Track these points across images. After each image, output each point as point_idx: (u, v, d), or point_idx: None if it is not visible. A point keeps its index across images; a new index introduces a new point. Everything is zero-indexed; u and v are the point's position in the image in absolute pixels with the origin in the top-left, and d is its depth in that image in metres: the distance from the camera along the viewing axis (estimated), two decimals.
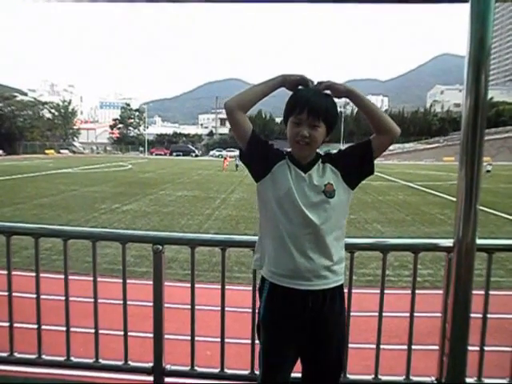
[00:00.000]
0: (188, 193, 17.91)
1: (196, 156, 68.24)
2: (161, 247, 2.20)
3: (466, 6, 1.61)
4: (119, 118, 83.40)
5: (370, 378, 2.31)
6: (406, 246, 2.44)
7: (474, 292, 2.03)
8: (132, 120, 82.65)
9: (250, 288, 2.37)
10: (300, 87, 1.79)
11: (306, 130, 1.70)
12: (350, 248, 2.25)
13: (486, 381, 2.25)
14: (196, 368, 2.32)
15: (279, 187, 1.73)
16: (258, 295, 1.90)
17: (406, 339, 2.38)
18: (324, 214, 1.72)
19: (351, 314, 2.34)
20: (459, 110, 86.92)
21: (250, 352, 2.29)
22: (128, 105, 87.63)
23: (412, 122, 79.01)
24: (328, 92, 1.77)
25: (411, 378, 2.30)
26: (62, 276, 2.48)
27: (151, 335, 2.33)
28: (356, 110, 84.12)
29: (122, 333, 2.40)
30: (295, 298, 1.74)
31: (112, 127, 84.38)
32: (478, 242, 1.95)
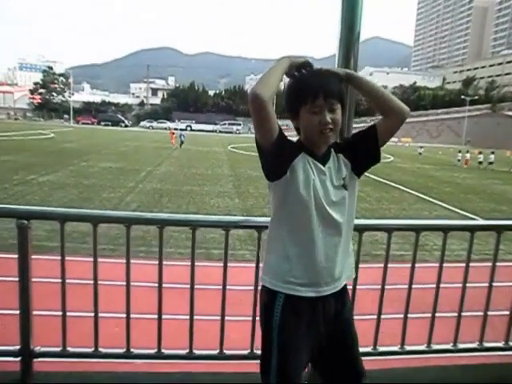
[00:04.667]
0: (113, 164, 17.24)
1: (126, 126, 65.38)
2: (26, 222, 2.07)
3: None
4: (41, 82, 77.12)
5: (215, 352, 2.35)
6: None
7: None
8: (56, 85, 76.75)
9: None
10: (296, 73, 1.58)
11: (327, 116, 1.52)
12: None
13: None
14: (68, 348, 2.23)
15: (301, 185, 1.53)
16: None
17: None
18: (344, 209, 1.61)
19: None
20: None
21: (125, 328, 2.26)
22: (51, 68, 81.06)
23: None
24: None
25: (254, 351, 2.34)
26: None
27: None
28: None
29: None
30: (315, 305, 1.62)
31: (32, 92, 77.81)
32: None
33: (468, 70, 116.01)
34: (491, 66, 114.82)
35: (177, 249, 6.36)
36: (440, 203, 12.50)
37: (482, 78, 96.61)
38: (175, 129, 37.88)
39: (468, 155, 26.81)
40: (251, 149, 31.99)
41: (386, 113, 1.62)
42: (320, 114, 1.52)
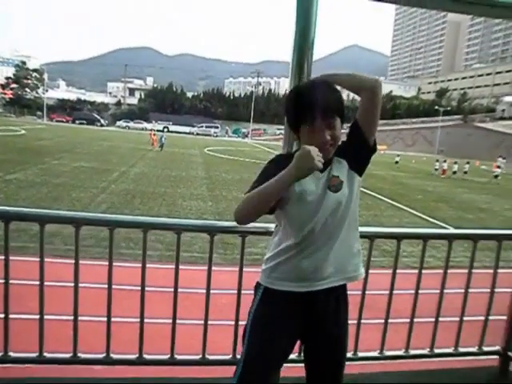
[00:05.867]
0: (85, 164, 16.92)
1: (101, 126, 64.22)
2: None
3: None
4: (13, 76, 74.95)
5: (166, 357, 2.33)
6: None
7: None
8: (29, 81, 74.74)
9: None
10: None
11: (326, 134, 1.54)
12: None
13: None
14: (10, 353, 2.13)
15: (294, 195, 1.57)
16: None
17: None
18: (338, 211, 1.59)
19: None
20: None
21: (73, 331, 2.20)
22: (24, 63, 78.91)
23: None
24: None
25: (207, 356, 2.31)
26: None
27: None
28: (267, 90, 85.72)
29: None
30: (297, 300, 1.65)
31: (4, 87, 75.50)
32: None
33: (442, 81, 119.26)
34: (463, 78, 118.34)
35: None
36: (411, 210, 12.76)
37: (454, 89, 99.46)
38: (151, 129, 36.52)
39: (445, 165, 27.36)
40: (227, 152, 31.95)
41: (357, 90, 1.63)
42: (319, 133, 1.54)
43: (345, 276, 1.67)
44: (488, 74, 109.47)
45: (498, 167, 26.98)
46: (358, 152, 1.65)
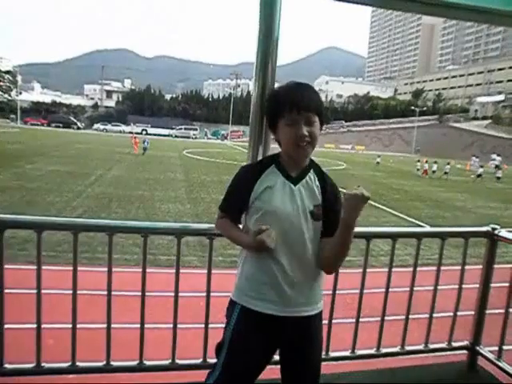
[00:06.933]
0: (61, 167, 16.58)
1: (78, 129, 63.16)
2: None
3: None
4: None
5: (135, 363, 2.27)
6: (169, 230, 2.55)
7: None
8: (1, 83, 72.94)
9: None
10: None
11: (304, 129, 1.50)
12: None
13: None
14: None
15: (266, 203, 1.55)
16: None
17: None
18: (308, 234, 1.58)
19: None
20: (341, 100, 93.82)
21: (37, 341, 2.14)
22: None
23: None
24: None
25: (176, 361, 2.27)
26: None
27: None
28: (246, 92, 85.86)
29: None
30: (273, 322, 1.62)
31: None
32: None
33: (417, 82, 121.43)
34: (438, 79, 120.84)
35: (123, 255, 6.17)
36: (389, 210, 12.91)
37: (430, 90, 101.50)
38: (131, 132, 35.65)
39: (426, 165, 27.58)
40: (206, 154, 31.81)
41: (325, 260, 1.62)
42: (297, 126, 1.51)
43: (313, 307, 1.67)
44: (461, 76, 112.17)
45: (481, 166, 27.43)
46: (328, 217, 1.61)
